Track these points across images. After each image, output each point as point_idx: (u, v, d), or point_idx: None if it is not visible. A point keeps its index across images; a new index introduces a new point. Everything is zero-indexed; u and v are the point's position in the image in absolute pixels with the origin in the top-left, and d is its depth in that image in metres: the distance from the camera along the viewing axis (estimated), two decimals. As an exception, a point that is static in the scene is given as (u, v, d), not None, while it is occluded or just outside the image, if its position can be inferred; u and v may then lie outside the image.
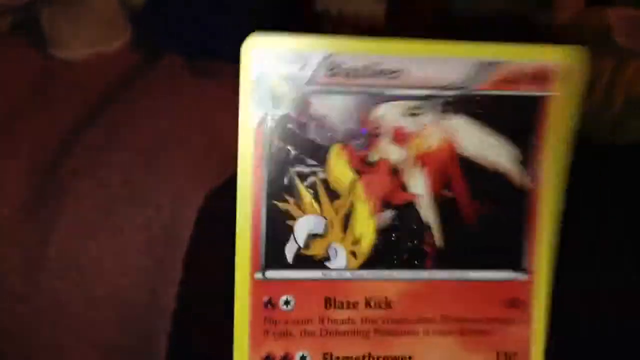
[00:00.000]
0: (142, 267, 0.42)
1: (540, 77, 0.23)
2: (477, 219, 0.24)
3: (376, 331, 0.24)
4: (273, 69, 0.22)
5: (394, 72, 0.23)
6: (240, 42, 0.22)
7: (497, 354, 0.25)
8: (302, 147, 0.23)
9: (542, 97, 0.23)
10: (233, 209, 0.22)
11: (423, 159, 0.23)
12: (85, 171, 0.43)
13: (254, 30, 0.22)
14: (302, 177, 0.23)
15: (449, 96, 0.23)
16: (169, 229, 0.42)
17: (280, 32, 0.22)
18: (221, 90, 0.38)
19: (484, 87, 0.23)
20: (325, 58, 0.22)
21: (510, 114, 0.23)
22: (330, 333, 0.24)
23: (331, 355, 0.24)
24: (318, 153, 0.23)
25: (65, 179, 0.43)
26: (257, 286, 0.24)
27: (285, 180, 0.23)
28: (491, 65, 0.23)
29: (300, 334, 0.24)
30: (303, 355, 0.24)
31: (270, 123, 0.23)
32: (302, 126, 0.23)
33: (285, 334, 0.24)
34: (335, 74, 0.22)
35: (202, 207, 0.37)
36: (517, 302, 0.25)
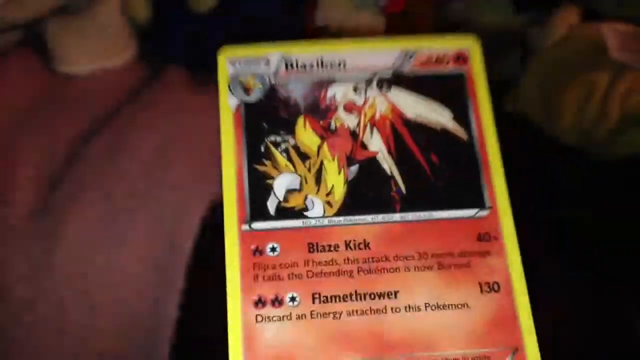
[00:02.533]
0: (145, 276, 0.41)
1: (449, 58, 0.30)
2: (432, 169, 0.28)
3: (359, 270, 0.26)
4: (243, 69, 0.29)
5: (338, 63, 0.29)
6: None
7: (480, 284, 0.26)
8: (274, 122, 0.28)
9: (457, 74, 0.29)
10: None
11: (375, 124, 0.28)
12: (90, 182, 0.45)
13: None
14: (276, 144, 0.28)
15: (385, 76, 0.29)
16: (172, 239, 0.42)
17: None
18: None
19: (410, 69, 0.29)
20: (283, 57, 0.29)
21: (435, 85, 0.29)
22: (316, 274, 0.26)
23: (320, 295, 0.26)
24: (287, 125, 0.28)
25: (70, 190, 0.44)
26: (245, 237, 0.26)
27: (262, 148, 0.28)
28: (410, 52, 0.30)
29: (288, 277, 0.26)
30: (293, 295, 0.26)
31: (245, 108, 0.28)
32: (272, 108, 0.28)
33: (274, 278, 0.26)
34: (293, 69, 0.29)
35: (205, 217, 0.38)
36: (488, 236, 0.27)
